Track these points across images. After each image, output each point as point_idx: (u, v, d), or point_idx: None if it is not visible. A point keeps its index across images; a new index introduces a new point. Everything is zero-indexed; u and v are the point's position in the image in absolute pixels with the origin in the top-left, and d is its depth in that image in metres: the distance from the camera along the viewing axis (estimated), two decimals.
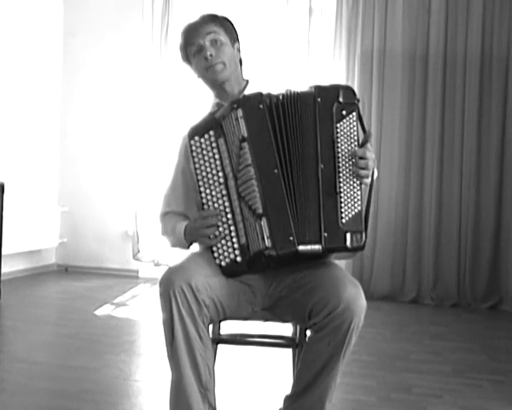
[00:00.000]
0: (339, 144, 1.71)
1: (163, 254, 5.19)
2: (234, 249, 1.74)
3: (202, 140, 1.77)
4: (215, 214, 1.74)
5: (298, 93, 1.75)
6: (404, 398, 2.57)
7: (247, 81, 2.02)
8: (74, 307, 4.21)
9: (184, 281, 1.66)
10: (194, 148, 1.78)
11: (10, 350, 3.13)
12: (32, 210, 5.13)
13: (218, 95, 1.99)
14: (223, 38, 1.94)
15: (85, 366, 2.85)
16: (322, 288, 1.69)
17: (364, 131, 1.74)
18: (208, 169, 1.76)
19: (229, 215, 1.74)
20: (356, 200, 1.71)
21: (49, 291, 4.78)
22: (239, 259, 1.73)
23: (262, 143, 1.72)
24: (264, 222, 1.68)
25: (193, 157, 1.78)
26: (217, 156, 1.76)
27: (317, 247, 1.69)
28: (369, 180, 1.74)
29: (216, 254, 1.76)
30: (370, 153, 1.72)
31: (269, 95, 1.75)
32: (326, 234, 1.68)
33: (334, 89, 1.74)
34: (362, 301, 1.67)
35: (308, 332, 1.81)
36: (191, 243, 1.90)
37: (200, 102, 4.64)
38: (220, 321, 1.91)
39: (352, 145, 1.72)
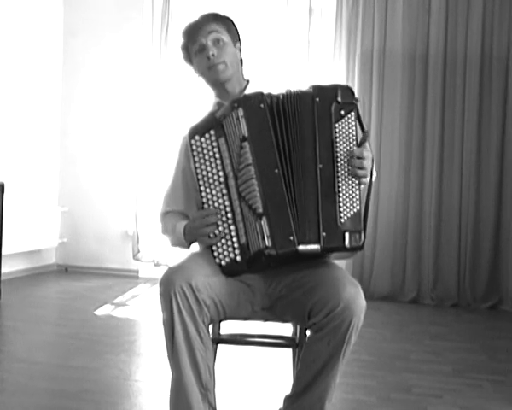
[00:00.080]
0: (337, 144, 1.72)
1: (163, 254, 5.19)
2: (234, 249, 1.74)
3: (203, 139, 1.77)
4: (214, 213, 1.74)
5: (296, 93, 1.75)
6: (404, 398, 2.57)
7: (248, 81, 2.02)
8: (74, 307, 4.21)
9: (185, 281, 1.66)
10: (194, 147, 1.78)
11: (10, 350, 3.12)
12: (32, 210, 5.13)
13: (219, 94, 1.99)
14: (225, 37, 1.94)
15: (85, 366, 2.85)
16: (322, 288, 1.69)
17: (363, 130, 1.74)
18: (209, 168, 1.76)
19: (230, 215, 1.74)
20: (354, 200, 1.71)
21: (49, 291, 4.78)
22: (239, 258, 1.73)
23: (262, 143, 1.72)
24: (264, 221, 1.68)
25: (193, 156, 1.78)
26: (217, 156, 1.76)
27: (316, 246, 1.69)
28: (367, 180, 1.74)
29: (216, 254, 1.76)
30: (368, 152, 1.72)
31: (269, 94, 1.75)
32: (325, 234, 1.68)
33: (333, 89, 1.74)
34: (361, 301, 1.67)
35: (308, 332, 1.81)
36: (191, 243, 1.90)
37: (200, 102, 4.66)
38: (220, 321, 1.91)
39: (351, 145, 1.72)
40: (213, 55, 1.91)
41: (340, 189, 1.71)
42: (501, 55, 4.64)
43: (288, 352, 2.12)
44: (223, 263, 1.75)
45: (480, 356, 3.31)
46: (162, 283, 1.69)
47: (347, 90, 1.75)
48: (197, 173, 1.78)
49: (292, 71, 4.98)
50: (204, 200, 1.77)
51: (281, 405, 1.85)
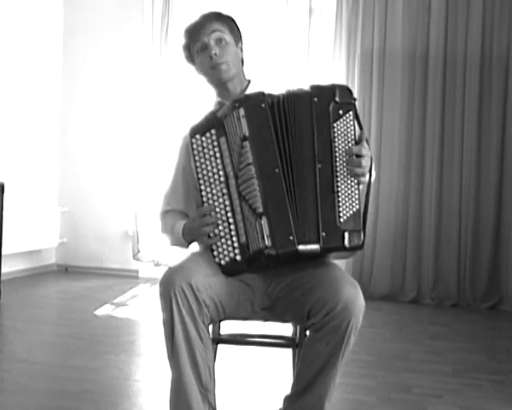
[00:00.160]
0: (336, 144, 1.72)
1: (163, 254, 5.19)
2: (234, 248, 1.74)
3: (204, 138, 1.77)
4: (211, 210, 1.74)
5: (295, 93, 1.75)
6: (404, 398, 2.57)
7: (249, 81, 2.02)
8: (74, 307, 4.21)
9: (185, 281, 1.66)
10: (195, 146, 1.78)
11: (10, 350, 3.12)
12: (32, 210, 5.13)
13: (220, 94, 1.99)
14: (227, 37, 1.94)
15: (85, 366, 2.85)
16: (321, 288, 1.69)
17: (361, 129, 1.75)
18: (209, 168, 1.76)
19: (230, 214, 1.74)
20: (354, 199, 1.71)
21: (49, 291, 4.78)
22: (239, 258, 1.73)
23: (263, 143, 1.72)
24: (264, 221, 1.68)
25: (194, 155, 1.78)
26: (218, 155, 1.76)
27: (316, 246, 1.69)
28: (366, 179, 1.75)
29: (215, 253, 1.76)
30: (366, 150, 1.72)
31: (270, 94, 1.75)
32: (324, 234, 1.68)
33: (331, 88, 1.74)
34: (360, 302, 1.67)
35: (308, 332, 1.81)
36: (190, 243, 1.90)
37: (200, 102, 4.66)
38: (220, 321, 1.91)
39: (349, 144, 1.72)
40: (216, 54, 1.91)
41: (340, 188, 1.71)
42: (501, 55, 4.64)
43: (288, 352, 2.12)
44: (222, 262, 1.75)
45: (480, 356, 3.31)
46: (162, 283, 1.69)
47: (345, 90, 1.75)
48: (197, 172, 1.78)
49: (292, 71, 4.98)
50: (204, 199, 1.77)
51: (281, 405, 1.85)
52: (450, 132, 4.74)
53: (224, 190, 1.75)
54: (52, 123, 5.58)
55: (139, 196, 5.29)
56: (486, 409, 2.51)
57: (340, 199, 1.70)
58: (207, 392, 1.73)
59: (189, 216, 1.98)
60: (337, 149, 1.71)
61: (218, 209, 1.75)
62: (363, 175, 1.72)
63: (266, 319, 1.93)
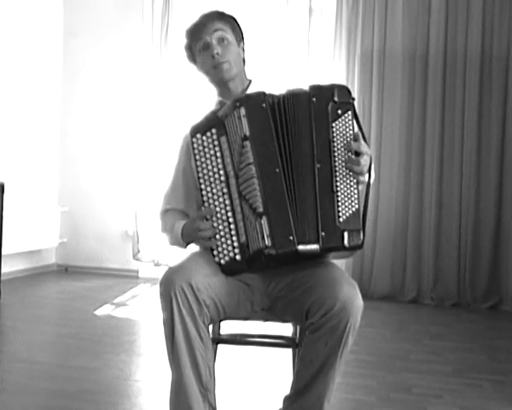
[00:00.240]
0: (335, 143, 1.72)
1: (163, 254, 5.19)
2: (233, 248, 1.74)
3: (204, 138, 1.77)
4: (213, 213, 1.74)
5: (294, 93, 1.75)
6: (404, 398, 2.57)
7: (250, 81, 2.02)
8: (74, 307, 4.21)
9: (185, 281, 1.66)
10: (195, 145, 1.78)
11: (10, 350, 3.12)
12: (32, 210, 5.13)
13: (222, 93, 1.99)
14: (229, 36, 1.95)
15: (85, 366, 2.85)
16: (320, 288, 1.69)
17: (361, 129, 1.75)
18: (210, 167, 1.76)
19: (230, 213, 1.74)
20: (353, 198, 1.71)
21: (49, 291, 4.78)
22: (238, 257, 1.73)
23: (264, 142, 1.72)
24: (264, 221, 1.68)
25: (194, 155, 1.78)
26: (218, 154, 1.76)
27: (315, 246, 1.69)
28: (365, 178, 1.75)
29: (215, 253, 1.76)
30: (365, 148, 1.72)
31: (271, 94, 1.75)
32: (324, 233, 1.68)
33: (329, 88, 1.74)
34: (358, 302, 1.67)
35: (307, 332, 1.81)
36: (188, 243, 1.90)
37: (200, 102, 4.66)
38: (220, 321, 1.91)
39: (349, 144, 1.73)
40: (218, 53, 1.91)
41: (339, 188, 1.70)
42: (501, 55, 4.64)
43: (288, 352, 2.12)
44: (222, 262, 1.75)
45: (480, 356, 3.31)
46: (162, 283, 1.69)
47: (344, 90, 1.75)
48: (198, 172, 1.78)
49: (292, 71, 4.98)
50: (204, 198, 1.77)
51: (280, 405, 1.85)
52: (450, 132, 4.74)
53: (225, 190, 1.75)
54: (52, 123, 5.58)
55: (139, 196, 5.29)
56: (486, 409, 2.51)
57: (339, 199, 1.70)
58: (207, 392, 1.74)
59: (189, 215, 1.98)
60: (336, 149, 1.71)
61: (218, 209, 1.75)
62: (362, 174, 1.72)
63: (266, 319, 1.93)
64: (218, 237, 1.75)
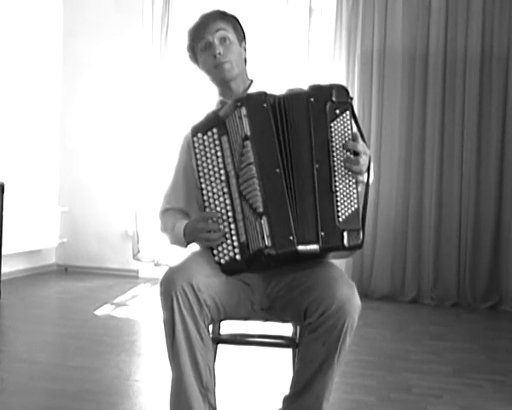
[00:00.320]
0: (333, 143, 1.72)
1: (163, 254, 5.19)
2: (233, 247, 1.74)
3: (205, 137, 1.77)
4: (218, 217, 1.74)
5: (293, 93, 1.76)
6: (404, 398, 2.58)
7: (252, 81, 2.02)
8: (74, 307, 4.21)
9: (186, 281, 1.66)
10: (196, 145, 1.78)
11: (10, 350, 3.13)
12: (32, 210, 5.13)
13: (223, 93, 1.99)
14: (231, 36, 1.95)
15: (86, 365, 2.85)
16: (317, 287, 1.69)
17: (359, 128, 1.75)
18: (210, 166, 1.76)
19: (230, 213, 1.74)
20: (352, 198, 1.71)
21: (49, 291, 4.78)
22: (238, 257, 1.73)
23: (264, 143, 1.72)
24: (264, 221, 1.68)
25: (195, 154, 1.78)
26: (219, 154, 1.76)
27: (315, 247, 1.69)
28: (364, 177, 1.75)
29: (215, 252, 1.76)
30: (363, 147, 1.72)
31: (272, 94, 1.75)
32: (323, 233, 1.68)
33: (327, 88, 1.74)
34: (356, 301, 1.67)
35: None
36: (189, 243, 1.90)
37: (200, 102, 4.66)
38: (220, 321, 1.91)
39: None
40: (220, 53, 1.91)
41: (338, 188, 1.71)
42: (501, 55, 4.64)
43: (288, 352, 2.12)
44: (222, 261, 1.75)
45: (480, 356, 3.31)
46: (163, 282, 1.69)
47: (342, 89, 1.75)
48: (199, 171, 1.78)
49: (292, 71, 4.98)
50: (205, 198, 1.77)
51: (280, 405, 1.85)
52: (450, 132, 4.74)
53: (225, 189, 1.75)
54: (52, 123, 5.58)
55: (139, 196, 5.29)
56: (486, 409, 2.51)
57: (338, 198, 1.70)
58: (208, 392, 1.74)
59: (189, 215, 1.99)
60: (335, 149, 1.72)
61: (218, 208, 1.75)
62: (361, 173, 1.72)
63: (266, 319, 1.93)
64: (218, 240, 1.75)
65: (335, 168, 1.71)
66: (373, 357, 3.17)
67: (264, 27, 5.11)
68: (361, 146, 1.71)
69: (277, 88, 1.79)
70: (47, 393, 2.51)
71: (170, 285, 1.66)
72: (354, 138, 1.72)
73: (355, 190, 1.72)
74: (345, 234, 1.69)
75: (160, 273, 1.76)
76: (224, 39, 1.93)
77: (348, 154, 1.71)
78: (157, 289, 1.72)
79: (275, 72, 4.98)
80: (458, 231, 4.70)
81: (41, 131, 5.44)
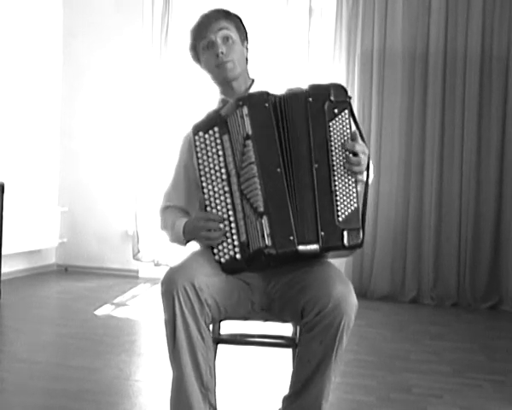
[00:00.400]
0: (332, 143, 1.72)
1: (163, 254, 5.19)
2: (234, 246, 1.74)
3: (207, 136, 1.77)
4: (220, 220, 1.74)
5: (292, 93, 1.76)
6: (404, 398, 2.58)
7: (253, 80, 2.03)
8: (74, 307, 4.21)
9: (187, 280, 1.66)
10: (198, 143, 1.78)
11: (10, 350, 3.13)
12: (32, 210, 5.13)
13: (225, 92, 1.99)
14: (234, 35, 1.95)
15: (86, 365, 2.85)
16: (314, 286, 1.69)
17: (358, 128, 1.75)
18: (211, 165, 1.76)
19: (231, 212, 1.74)
20: (352, 197, 1.71)
21: (49, 291, 4.78)
22: (238, 256, 1.73)
23: (266, 142, 1.72)
24: (264, 220, 1.69)
25: (196, 152, 1.78)
26: (220, 153, 1.76)
27: (315, 246, 1.69)
28: (363, 176, 1.75)
29: (216, 251, 1.76)
30: (361, 147, 1.72)
31: (274, 94, 1.75)
32: (323, 233, 1.69)
33: (325, 88, 1.75)
34: (352, 300, 1.67)
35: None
36: (189, 241, 1.90)
37: (200, 102, 4.65)
38: (220, 320, 1.91)
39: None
40: (222, 52, 1.91)
41: (337, 187, 1.71)
42: (501, 55, 4.64)
43: (288, 352, 2.12)
44: (222, 260, 1.76)
45: (480, 356, 3.31)
46: (164, 282, 1.69)
47: (340, 89, 1.75)
48: (200, 170, 1.78)
49: (292, 71, 4.98)
50: (206, 196, 1.77)
51: (280, 405, 1.85)
52: (450, 132, 4.74)
53: (226, 188, 1.75)
54: (52, 123, 5.58)
55: (139, 196, 5.29)
56: (486, 409, 2.51)
57: (337, 198, 1.70)
58: (208, 392, 1.74)
59: (189, 213, 1.99)
60: (333, 149, 1.72)
61: (219, 207, 1.76)
62: (360, 172, 1.73)
63: (266, 319, 1.93)
64: (219, 239, 1.75)
65: (334, 168, 1.71)
66: (373, 357, 3.17)
67: (264, 27, 5.11)
68: (360, 145, 1.71)
69: (277, 88, 1.79)
70: (47, 393, 2.51)
71: (171, 285, 1.66)
72: (353, 137, 1.72)
73: (354, 190, 1.72)
74: (345, 233, 1.69)
75: (160, 273, 1.76)
76: (226, 38, 1.93)
77: (347, 153, 1.71)
78: (157, 289, 1.72)
79: (275, 72, 4.98)
80: (458, 230, 4.70)
81: (41, 131, 5.44)
